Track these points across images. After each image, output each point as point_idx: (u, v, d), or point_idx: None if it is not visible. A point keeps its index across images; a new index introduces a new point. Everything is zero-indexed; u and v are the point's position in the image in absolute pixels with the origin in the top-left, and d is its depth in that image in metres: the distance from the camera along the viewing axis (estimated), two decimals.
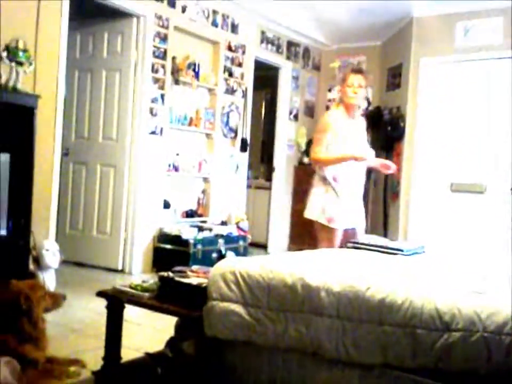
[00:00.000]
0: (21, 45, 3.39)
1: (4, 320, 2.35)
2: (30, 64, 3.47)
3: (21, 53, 3.38)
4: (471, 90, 5.49)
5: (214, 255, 5.11)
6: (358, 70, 3.70)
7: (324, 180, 3.51)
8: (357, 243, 2.83)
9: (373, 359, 1.71)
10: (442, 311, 1.63)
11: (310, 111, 7.13)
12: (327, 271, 1.98)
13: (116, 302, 2.39)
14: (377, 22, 6.11)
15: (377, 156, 6.47)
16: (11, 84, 3.35)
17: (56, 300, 2.61)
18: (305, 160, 6.94)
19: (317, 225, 3.54)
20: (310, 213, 3.60)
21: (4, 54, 3.33)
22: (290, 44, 6.66)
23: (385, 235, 5.70)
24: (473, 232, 5.28)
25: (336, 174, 3.47)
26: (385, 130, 6.09)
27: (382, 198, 6.37)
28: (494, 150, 5.33)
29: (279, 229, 6.84)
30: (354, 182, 3.55)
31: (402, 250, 2.66)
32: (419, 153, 5.80)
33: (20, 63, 3.38)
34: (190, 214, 5.56)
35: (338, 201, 3.46)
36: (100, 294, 2.43)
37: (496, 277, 2.16)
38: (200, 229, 5.27)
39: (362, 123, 3.72)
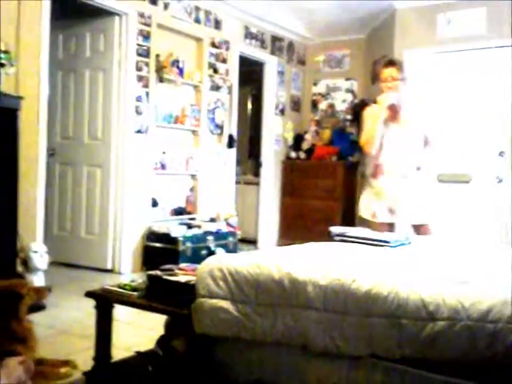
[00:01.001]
0: (2, 47, 3.35)
1: None
2: (12, 65, 3.44)
3: (2, 55, 3.35)
4: (455, 81, 5.53)
5: (204, 252, 5.11)
6: (389, 63, 3.55)
7: (367, 176, 3.59)
8: (344, 236, 2.85)
9: (360, 350, 1.73)
10: (427, 301, 1.65)
11: (296, 105, 7.15)
12: (314, 265, 1.99)
13: (104, 302, 2.39)
14: (360, 14, 6.13)
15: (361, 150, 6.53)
16: None
17: (41, 293, 2.61)
18: (293, 154, 6.97)
19: (367, 222, 3.59)
20: (360, 211, 3.71)
21: None
22: (274, 39, 6.67)
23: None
24: (459, 222, 5.33)
25: (378, 167, 3.52)
26: None
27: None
28: (479, 140, 5.38)
29: (269, 224, 6.86)
30: (397, 175, 3.56)
31: (389, 242, 2.68)
32: None
33: (1, 65, 3.35)
34: (178, 212, 5.56)
35: (380, 196, 3.53)
36: (89, 294, 2.43)
37: (481, 265, 2.19)
38: (189, 226, 5.27)
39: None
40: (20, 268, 3.63)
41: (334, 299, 1.80)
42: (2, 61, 3.35)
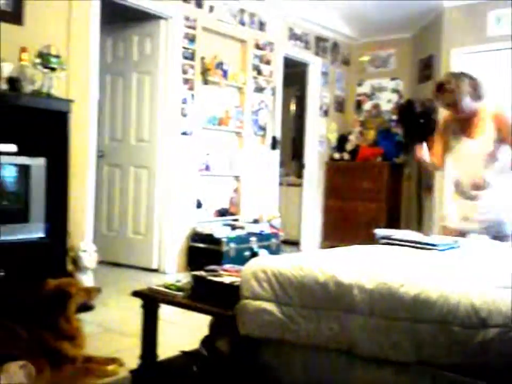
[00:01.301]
0: (53, 51, 3.46)
1: (40, 317, 2.43)
2: (63, 69, 3.55)
3: (53, 59, 3.45)
4: (504, 80, 5.34)
5: (247, 253, 5.14)
6: (437, 89, 3.19)
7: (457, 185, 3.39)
8: (390, 238, 2.79)
9: (408, 356, 1.69)
10: (478, 307, 1.60)
11: (340, 106, 7.08)
12: (360, 268, 1.96)
13: (151, 302, 2.43)
14: (407, 13, 6.02)
15: (409, 150, 6.37)
16: (45, 89, 3.44)
17: (90, 294, 2.68)
18: (336, 155, 6.90)
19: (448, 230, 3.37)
20: (444, 220, 3.47)
21: (37, 61, 3.41)
22: (318, 40, 6.63)
23: (419, 230, 5.61)
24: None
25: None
26: (418, 123, 5.98)
27: (415, 192, 6.28)
28: None
29: (312, 226, 6.82)
30: (465, 180, 3.33)
31: (436, 246, 2.61)
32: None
33: (53, 69, 3.46)
34: (222, 213, 5.60)
35: (455, 201, 3.38)
36: (136, 294, 2.48)
37: None
38: (233, 227, 5.30)
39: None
40: (69, 267, 3.74)
41: (381, 303, 1.76)
42: (54, 65, 3.46)
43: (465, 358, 1.58)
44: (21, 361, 0.65)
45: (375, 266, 2.00)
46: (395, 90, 6.83)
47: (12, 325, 2.33)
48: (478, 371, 1.58)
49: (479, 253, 2.62)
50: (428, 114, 5.91)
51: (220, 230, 5.11)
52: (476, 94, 3.16)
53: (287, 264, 2.08)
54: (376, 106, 6.98)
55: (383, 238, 2.91)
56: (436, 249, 2.57)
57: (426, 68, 6.20)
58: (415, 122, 6.00)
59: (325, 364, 1.92)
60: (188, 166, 5.17)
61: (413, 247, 2.62)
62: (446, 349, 1.62)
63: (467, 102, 3.14)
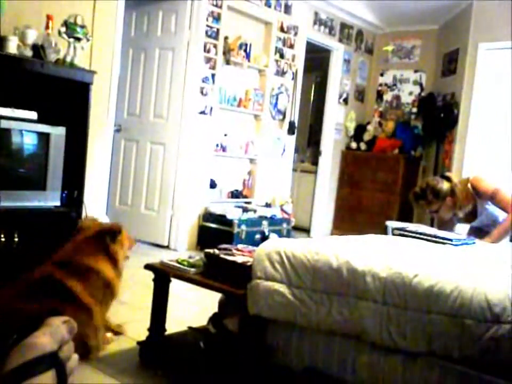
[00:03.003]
0: (79, 21, 3.46)
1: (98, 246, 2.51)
2: (88, 40, 3.54)
3: (79, 29, 3.45)
4: None
5: (257, 236, 5.15)
6: (415, 197, 3.28)
7: None
8: (405, 230, 2.79)
9: (418, 347, 1.69)
10: (492, 303, 1.59)
11: (361, 95, 7.02)
12: (374, 256, 1.96)
13: (162, 276, 2.45)
14: (435, 5, 5.92)
15: (428, 144, 6.31)
16: (68, 59, 3.43)
17: (131, 240, 2.81)
18: (353, 145, 6.86)
19: None
20: None
21: (63, 30, 3.41)
22: (343, 26, 6.55)
23: (432, 225, 5.58)
24: None
25: None
26: (438, 117, 5.93)
27: None
28: None
29: (323, 214, 6.81)
30: None
31: (451, 240, 2.60)
32: (472, 141, 5.63)
33: (78, 39, 3.45)
34: (235, 195, 5.61)
35: None
36: (148, 267, 2.50)
37: None
38: (245, 209, 5.31)
39: None
40: None
41: (394, 292, 1.76)
42: (79, 35, 3.45)
43: (477, 352, 1.58)
44: (63, 316, 0.67)
45: (390, 256, 2.00)
46: (417, 83, 6.74)
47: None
48: (489, 366, 1.58)
49: (494, 250, 2.60)
50: (449, 109, 5.86)
51: (232, 211, 5.13)
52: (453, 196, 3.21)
53: (301, 248, 2.08)
54: (397, 98, 6.91)
55: (397, 229, 2.90)
56: (450, 243, 2.56)
57: (451, 61, 6.11)
58: (436, 116, 5.95)
59: (333, 349, 1.93)
60: (204, 146, 5.17)
61: (427, 240, 2.62)
62: (457, 342, 1.62)
63: (448, 207, 3.22)
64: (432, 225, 5.13)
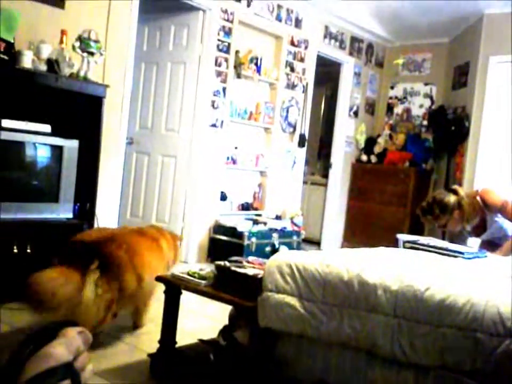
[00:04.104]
0: (93, 36, 3.51)
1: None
2: (101, 54, 3.59)
3: (92, 44, 3.50)
4: None
5: (268, 248, 5.15)
6: (422, 213, 3.31)
7: None
8: (416, 243, 2.78)
9: (430, 360, 1.68)
10: (505, 316, 1.58)
11: (371, 108, 7.03)
12: (385, 269, 1.96)
13: (173, 288, 2.46)
14: (445, 18, 5.94)
15: (439, 156, 6.30)
16: (82, 73, 3.48)
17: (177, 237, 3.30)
18: (364, 158, 6.86)
19: None
20: None
21: (77, 44, 3.46)
22: (353, 40, 6.58)
23: (443, 238, 5.55)
24: None
25: None
26: (449, 130, 5.92)
27: None
28: None
29: (334, 227, 6.79)
30: None
31: (462, 253, 2.59)
32: (483, 154, 5.61)
33: (91, 53, 3.50)
34: (245, 207, 5.62)
35: None
36: (159, 279, 2.51)
37: None
38: (255, 222, 5.32)
39: None
40: None
41: (406, 305, 1.76)
42: (93, 50, 3.50)
43: (489, 366, 1.57)
44: (79, 327, 0.67)
45: (401, 268, 1.99)
46: (428, 96, 6.74)
47: None
48: (502, 380, 1.56)
49: (506, 263, 2.58)
50: (460, 122, 5.84)
51: (242, 223, 5.13)
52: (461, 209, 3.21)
53: (312, 260, 2.08)
54: (407, 111, 6.91)
55: (408, 242, 2.90)
56: (462, 256, 2.55)
57: (462, 74, 6.11)
58: (447, 128, 5.94)
59: (344, 362, 1.92)
60: (215, 158, 5.19)
61: (438, 253, 2.60)
62: (470, 355, 1.60)
63: (456, 220, 3.22)
64: (443, 239, 5.10)
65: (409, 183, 6.41)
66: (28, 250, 3.28)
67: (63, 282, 2.38)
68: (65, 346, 0.68)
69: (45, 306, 2.35)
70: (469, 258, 2.57)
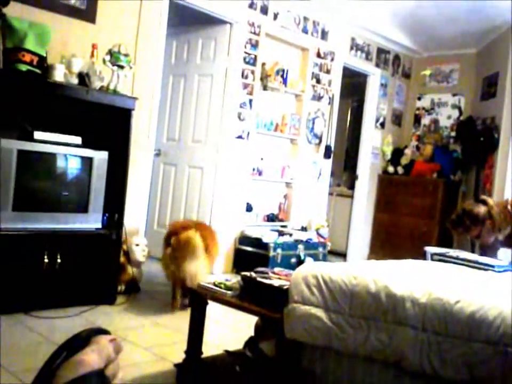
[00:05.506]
0: (122, 50, 3.58)
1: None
2: (130, 68, 3.67)
3: (122, 57, 3.57)
4: None
5: (293, 260, 5.13)
6: (452, 226, 3.31)
7: None
8: (444, 256, 2.74)
9: (459, 375, 1.65)
10: None
11: (398, 119, 6.98)
12: (413, 281, 1.93)
13: (200, 298, 2.47)
14: (473, 29, 5.89)
15: (468, 168, 6.20)
16: (112, 86, 3.56)
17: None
18: (390, 169, 6.80)
19: None
20: None
21: (107, 58, 3.54)
22: (380, 51, 6.56)
23: (472, 251, 5.45)
24: None
25: None
26: (478, 142, 5.83)
27: None
28: None
29: (360, 238, 6.74)
30: None
31: (493, 266, 2.54)
32: None
33: (121, 67, 3.58)
34: (271, 218, 5.62)
35: None
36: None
37: None
38: (281, 233, 5.31)
39: None
40: (121, 259, 3.84)
41: (434, 319, 1.73)
42: (122, 64, 3.58)
43: None
44: (110, 335, 0.69)
45: (430, 281, 1.97)
46: (456, 106, 6.67)
47: None
48: None
49: None
50: (489, 133, 5.75)
51: (268, 235, 5.13)
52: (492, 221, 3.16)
53: (339, 272, 2.07)
54: (435, 122, 6.84)
55: (436, 254, 2.86)
56: (492, 270, 2.50)
57: (490, 85, 6.03)
58: (475, 139, 5.86)
59: (372, 376, 1.90)
60: (241, 170, 5.22)
61: (468, 266, 2.56)
62: (500, 370, 1.57)
63: (489, 230, 3.17)
64: (473, 252, 5.01)
65: (437, 195, 6.32)
66: (58, 260, 3.34)
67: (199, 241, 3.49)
68: (97, 354, 0.70)
69: (196, 254, 3.46)
70: (500, 272, 2.52)
